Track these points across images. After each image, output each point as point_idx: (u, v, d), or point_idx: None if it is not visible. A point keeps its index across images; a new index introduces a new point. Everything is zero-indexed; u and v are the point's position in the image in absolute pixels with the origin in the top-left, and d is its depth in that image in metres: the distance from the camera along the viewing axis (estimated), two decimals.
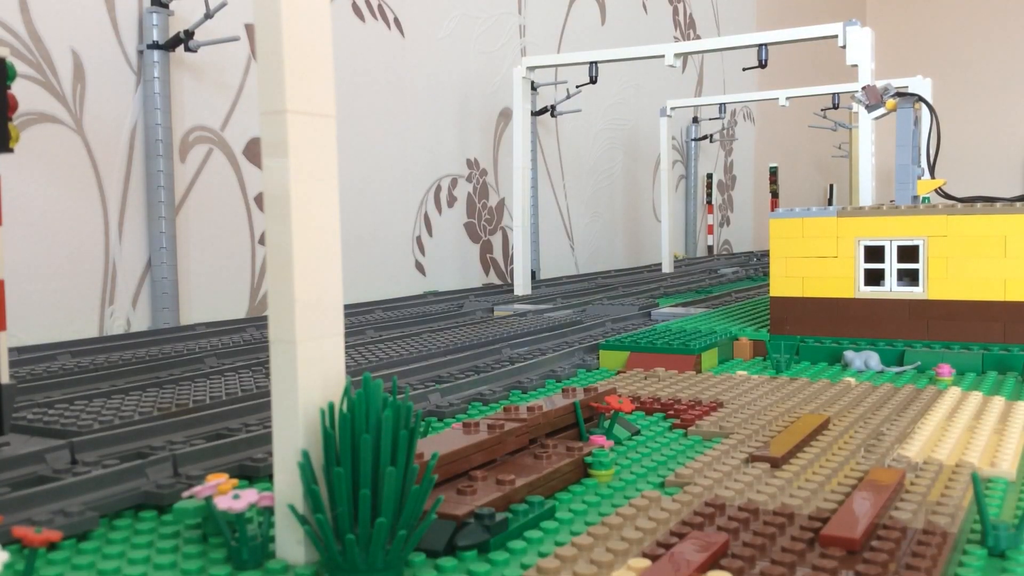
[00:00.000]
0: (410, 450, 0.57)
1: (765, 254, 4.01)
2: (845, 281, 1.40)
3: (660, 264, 3.37)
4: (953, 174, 2.30)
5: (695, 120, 4.37)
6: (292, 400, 0.58)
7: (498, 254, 3.06)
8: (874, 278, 1.39)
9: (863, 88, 1.60)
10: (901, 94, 1.57)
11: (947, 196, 1.60)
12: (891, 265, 1.37)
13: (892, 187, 1.61)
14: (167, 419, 0.94)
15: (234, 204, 2.11)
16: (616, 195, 3.85)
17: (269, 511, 0.60)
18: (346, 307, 2.02)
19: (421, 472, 0.58)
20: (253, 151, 2.14)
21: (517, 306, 2.11)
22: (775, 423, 0.95)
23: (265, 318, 1.74)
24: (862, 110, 1.64)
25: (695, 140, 4.38)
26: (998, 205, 1.32)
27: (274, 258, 0.59)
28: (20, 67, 1.67)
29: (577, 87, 3.09)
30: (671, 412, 1.03)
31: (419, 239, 2.68)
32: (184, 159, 1.98)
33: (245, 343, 1.54)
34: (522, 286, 2.42)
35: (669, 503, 0.68)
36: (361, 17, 2.49)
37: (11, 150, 0.90)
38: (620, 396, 0.93)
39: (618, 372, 1.33)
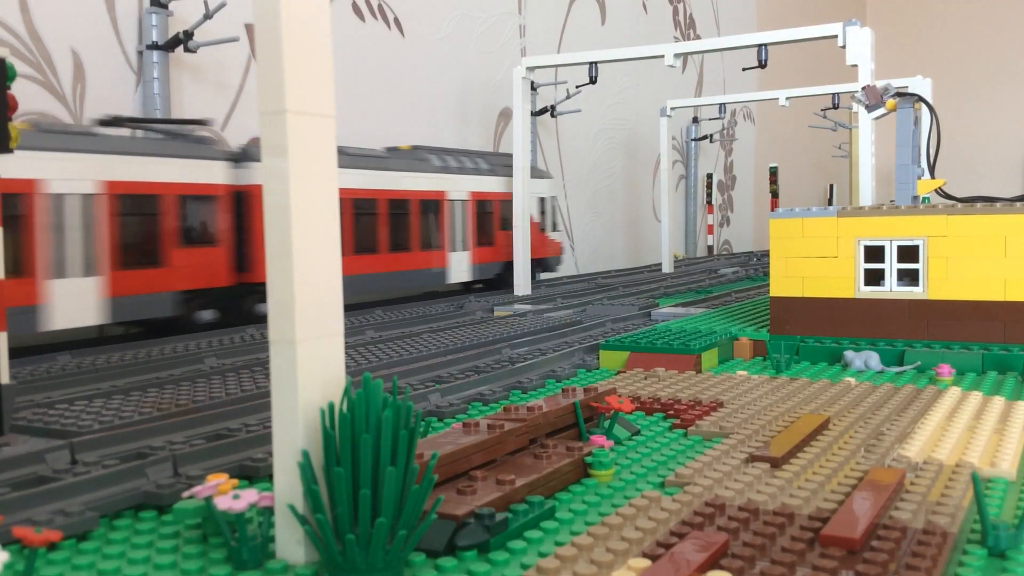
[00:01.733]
0: (410, 450, 0.57)
1: (765, 254, 4.01)
2: (845, 281, 1.40)
3: (660, 264, 3.37)
4: (953, 174, 2.31)
5: (695, 120, 4.37)
6: (292, 400, 0.58)
7: None
8: (874, 278, 1.39)
9: (863, 88, 1.60)
10: (901, 94, 1.57)
11: (947, 196, 1.60)
12: (891, 265, 1.37)
13: (892, 187, 1.61)
14: (167, 419, 0.94)
15: None
16: (616, 195, 3.85)
17: (269, 511, 0.60)
18: (346, 307, 2.02)
19: (421, 472, 0.58)
20: None
21: (517, 306, 2.11)
22: (775, 423, 0.95)
23: (265, 318, 1.73)
24: (862, 110, 1.65)
25: (695, 140, 4.38)
26: (998, 205, 1.32)
27: (274, 258, 0.59)
28: (20, 67, 1.67)
29: (577, 87, 3.09)
30: (671, 412, 1.03)
31: None
32: None
33: (245, 343, 1.54)
34: (522, 286, 2.42)
35: (669, 503, 0.68)
36: (361, 17, 2.49)
37: (11, 150, 0.90)
38: (620, 396, 0.93)
39: (618, 372, 1.33)
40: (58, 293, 1.42)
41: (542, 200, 2.68)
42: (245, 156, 1.79)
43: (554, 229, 2.76)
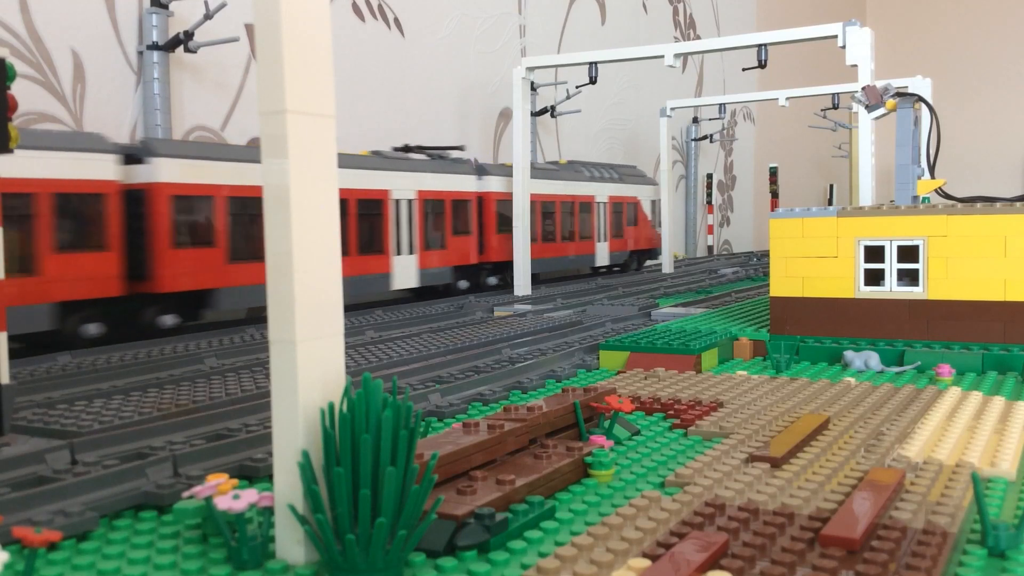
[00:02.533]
0: (410, 450, 0.57)
1: (765, 254, 4.01)
2: (845, 281, 1.40)
3: (660, 264, 3.37)
4: (953, 174, 2.31)
5: (695, 120, 4.37)
6: (292, 400, 0.58)
7: None
8: (874, 278, 1.39)
9: (863, 88, 1.60)
10: (901, 94, 1.57)
11: (947, 196, 1.60)
12: (891, 265, 1.37)
13: (892, 187, 1.61)
14: (167, 419, 0.94)
15: None
16: None
17: (269, 511, 0.60)
18: (346, 307, 2.02)
19: (421, 472, 0.58)
20: None
21: (517, 306, 2.11)
22: (775, 423, 0.95)
23: (265, 318, 1.73)
24: (862, 110, 1.64)
25: (695, 140, 4.38)
26: (998, 205, 1.32)
27: (274, 258, 0.59)
28: (20, 67, 1.67)
29: (577, 87, 3.09)
30: (671, 412, 1.03)
31: None
32: None
33: (245, 343, 1.54)
34: (522, 286, 2.42)
35: (669, 503, 0.68)
36: (361, 17, 2.49)
37: (11, 151, 0.90)
38: (620, 396, 0.93)
39: (618, 372, 1.33)
40: (398, 265, 2.15)
41: (653, 202, 3.38)
42: (483, 171, 2.49)
43: (658, 225, 3.39)
